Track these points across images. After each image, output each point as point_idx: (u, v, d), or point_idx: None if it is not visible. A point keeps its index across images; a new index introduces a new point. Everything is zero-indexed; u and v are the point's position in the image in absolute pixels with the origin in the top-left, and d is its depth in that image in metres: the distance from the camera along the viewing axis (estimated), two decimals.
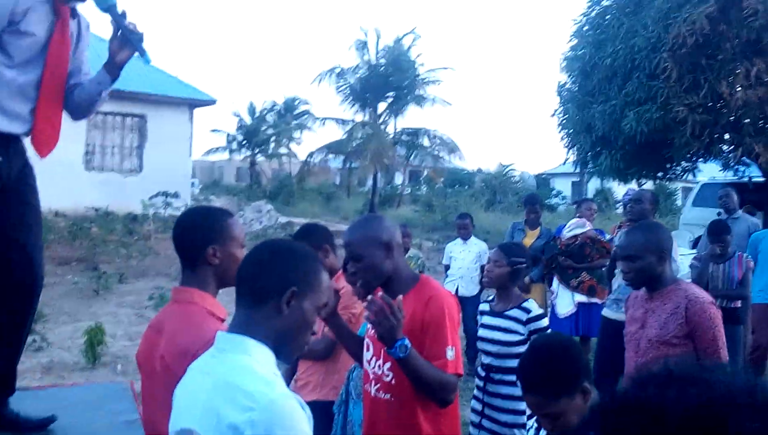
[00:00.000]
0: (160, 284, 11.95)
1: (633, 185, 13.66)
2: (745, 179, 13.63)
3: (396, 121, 33.21)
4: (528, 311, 3.89)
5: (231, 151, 46.56)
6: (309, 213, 26.66)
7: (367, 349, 2.86)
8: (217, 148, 46.36)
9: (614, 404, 0.93)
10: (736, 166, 13.56)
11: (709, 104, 11.62)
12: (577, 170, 17.81)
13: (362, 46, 32.10)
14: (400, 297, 2.53)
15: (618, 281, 5.99)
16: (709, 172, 16.22)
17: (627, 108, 12.01)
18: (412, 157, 33.99)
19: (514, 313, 3.92)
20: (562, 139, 14.65)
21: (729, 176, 14.18)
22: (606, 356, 5.58)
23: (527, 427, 3.63)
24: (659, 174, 14.51)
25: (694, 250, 8.45)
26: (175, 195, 18.35)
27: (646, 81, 11.79)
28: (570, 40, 14.26)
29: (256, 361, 1.83)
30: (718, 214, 11.10)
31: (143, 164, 21.53)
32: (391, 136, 32.67)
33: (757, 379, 0.92)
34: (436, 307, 2.66)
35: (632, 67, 12.01)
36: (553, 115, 14.77)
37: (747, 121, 11.17)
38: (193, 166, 29.12)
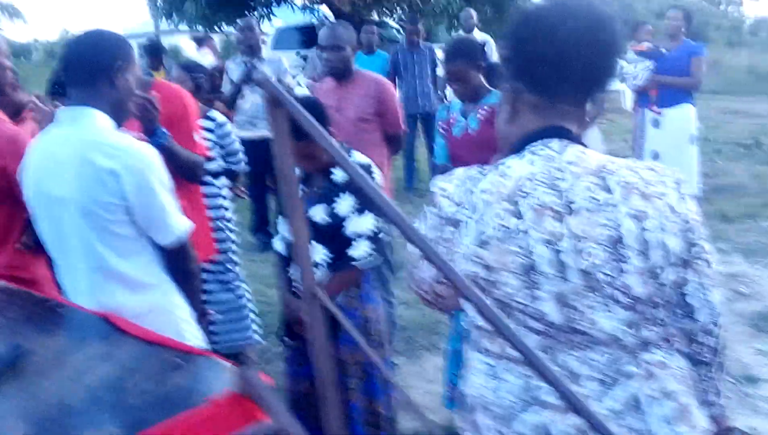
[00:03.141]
0: None
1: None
2: (317, 22, 14.40)
3: None
4: (213, 120, 4.17)
5: None
6: None
7: None
8: None
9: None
10: (312, 10, 14.27)
11: None
12: (153, 30, 17.21)
13: None
14: (156, 93, 2.80)
15: (251, 101, 6.11)
16: (284, 17, 16.86)
17: None
18: None
19: (201, 123, 4.05)
20: None
21: (307, 19, 14.83)
22: (259, 169, 5.88)
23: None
24: (239, 20, 14.68)
25: None
26: None
27: None
28: None
29: (105, 125, 2.08)
30: (297, 53, 11.84)
31: None
32: None
33: None
34: (178, 103, 3.09)
35: None
36: None
37: None
38: None
